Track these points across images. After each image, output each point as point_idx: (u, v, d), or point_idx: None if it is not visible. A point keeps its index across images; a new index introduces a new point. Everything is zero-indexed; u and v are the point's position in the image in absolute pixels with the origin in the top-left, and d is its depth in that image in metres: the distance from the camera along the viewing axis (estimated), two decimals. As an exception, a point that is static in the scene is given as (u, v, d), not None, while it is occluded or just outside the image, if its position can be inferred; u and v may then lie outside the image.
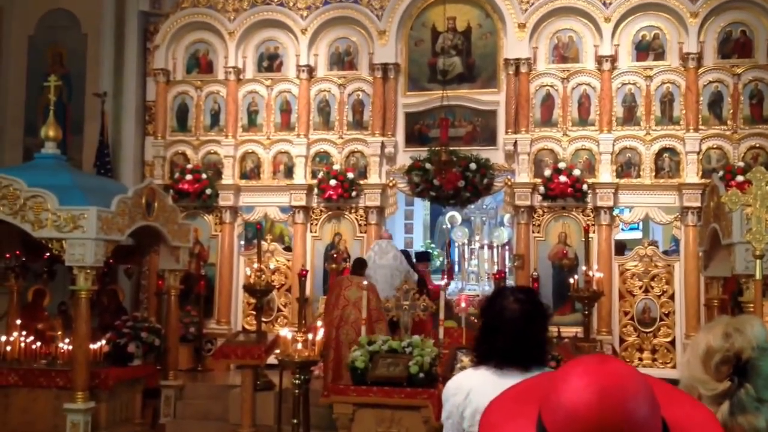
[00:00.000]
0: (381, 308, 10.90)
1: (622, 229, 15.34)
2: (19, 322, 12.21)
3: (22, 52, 15.81)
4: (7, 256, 12.72)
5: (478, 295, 15.60)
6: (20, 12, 15.76)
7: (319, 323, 10.06)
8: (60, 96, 13.19)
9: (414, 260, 14.47)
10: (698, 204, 13.43)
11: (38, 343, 11.78)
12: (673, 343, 13.64)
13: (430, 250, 16.19)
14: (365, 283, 10.99)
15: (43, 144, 11.85)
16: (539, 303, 3.79)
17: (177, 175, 15.10)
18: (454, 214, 19.69)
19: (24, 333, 11.89)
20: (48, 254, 11.83)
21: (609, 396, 1.56)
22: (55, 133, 11.85)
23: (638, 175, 14.03)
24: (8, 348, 11.57)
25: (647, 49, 14.23)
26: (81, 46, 15.62)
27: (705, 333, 2.31)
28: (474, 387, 3.65)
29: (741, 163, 13.45)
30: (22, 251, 12.70)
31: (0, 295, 13.24)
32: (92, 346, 11.10)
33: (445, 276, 16.39)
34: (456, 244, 18.83)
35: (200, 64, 15.71)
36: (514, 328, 3.58)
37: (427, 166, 13.88)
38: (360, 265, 12.28)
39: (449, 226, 19.96)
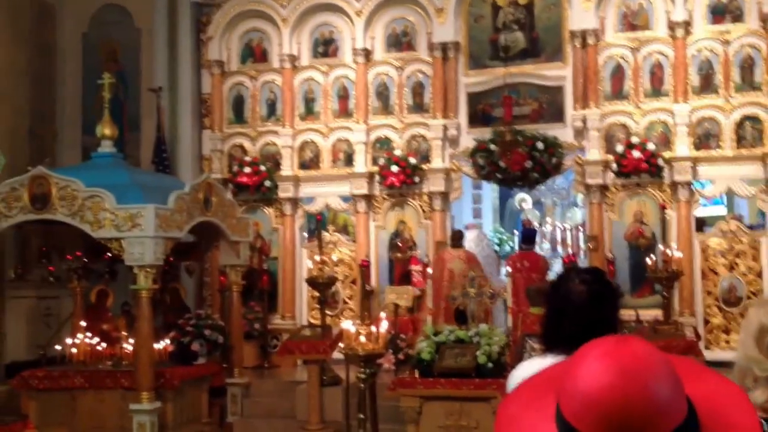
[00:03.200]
0: (484, 274, 11.24)
1: (704, 205, 14.74)
2: (83, 323, 12.10)
3: (76, 50, 15.80)
4: (69, 257, 12.64)
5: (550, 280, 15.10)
6: (72, 9, 15.73)
7: (383, 314, 9.68)
8: (115, 93, 13.07)
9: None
10: (785, 174, 12.70)
11: (103, 344, 11.68)
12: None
13: (534, 229, 15.49)
14: (464, 253, 11.60)
15: (99, 143, 11.74)
16: (607, 283, 3.56)
17: (235, 168, 14.88)
18: (524, 196, 19.21)
19: (89, 334, 11.79)
20: (109, 254, 11.74)
21: (629, 377, 1.47)
22: (111, 131, 11.79)
23: (718, 147, 13.39)
24: (74, 350, 11.46)
25: (723, 12, 13.55)
26: (134, 41, 15.57)
27: (757, 309, 2.27)
28: None
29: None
30: (83, 252, 12.60)
31: (64, 297, 13.21)
32: (156, 346, 10.99)
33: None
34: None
35: (254, 54, 15.53)
36: (581, 311, 3.32)
37: (492, 147, 13.44)
38: (458, 237, 13.06)
39: (520, 208, 19.49)
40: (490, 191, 19.37)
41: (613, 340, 1.56)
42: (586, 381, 1.50)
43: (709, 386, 1.65)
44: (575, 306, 3.34)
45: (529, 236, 14.12)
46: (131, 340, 11.42)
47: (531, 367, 3.49)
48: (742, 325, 2.28)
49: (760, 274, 13.08)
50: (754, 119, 13.26)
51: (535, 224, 17.37)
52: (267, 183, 14.65)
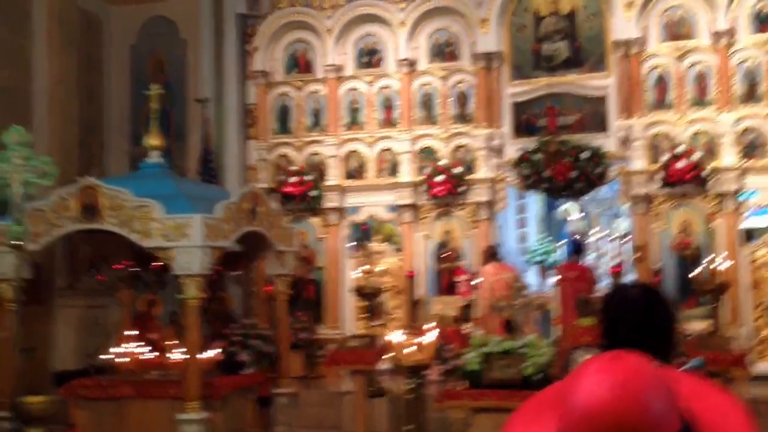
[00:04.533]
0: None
1: (753, 215, 14.53)
2: (131, 332, 12.20)
3: (124, 62, 15.95)
4: (118, 266, 12.76)
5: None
6: (120, 22, 15.89)
7: (430, 325, 9.69)
8: (162, 104, 13.18)
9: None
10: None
11: (152, 353, 11.76)
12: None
13: (581, 241, 15.32)
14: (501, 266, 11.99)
15: (147, 153, 11.84)
16: (662, 292, 3.51)
17: (281, 177, 14.92)
18: (568, 206, 19.08)
19: (137, 343, 11.88)
20: (157, 263, 11.84)
21: (621, 391, 1.55)
22: (159, 141, 11.86)
23: (765, 156, 13.25)
24: (122, 359, 11.55)
25: (767, 20, 13.39)
26: (181, 53, 15.68)
27: None
28: None
29: None
30: (132, 261, 12.72)
31: (112, 306, 13.32)
32: (204, 355, 11.03)
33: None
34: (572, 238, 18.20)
35: (299, 64, 15.62)
36: (635, 316, 3.26)
37: (537, 157, 13.43)
38: (494, 252, 13.27)
39: (564, 218, 19.36)
40: (535, 201, 19.29)
41: (610, 356, 1.64)
42: (580, 396, 1.58)
43: (710, 401, 1.73)
44: (630, 311, 3.30)
45: (577, 248, 14.08)
46: (179, 350, 11.51)
47: None
48: None
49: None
50: (802, 128, 13.10)
51: (581, 236, 17.26)
52: (312, 193, 14.71)
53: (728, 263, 11.55)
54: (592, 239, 17.90)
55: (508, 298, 9.61)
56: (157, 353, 11.82)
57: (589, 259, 17.33)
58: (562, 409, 1.63)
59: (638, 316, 3.28)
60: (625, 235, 16.65)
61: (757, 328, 13.06)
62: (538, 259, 17.76)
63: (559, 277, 12.77)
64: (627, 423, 1.52)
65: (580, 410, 1.56)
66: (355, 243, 15.48)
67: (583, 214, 19.14)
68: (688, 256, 13.22)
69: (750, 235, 13.89)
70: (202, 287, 10.66)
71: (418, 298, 13.62)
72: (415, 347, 8.55)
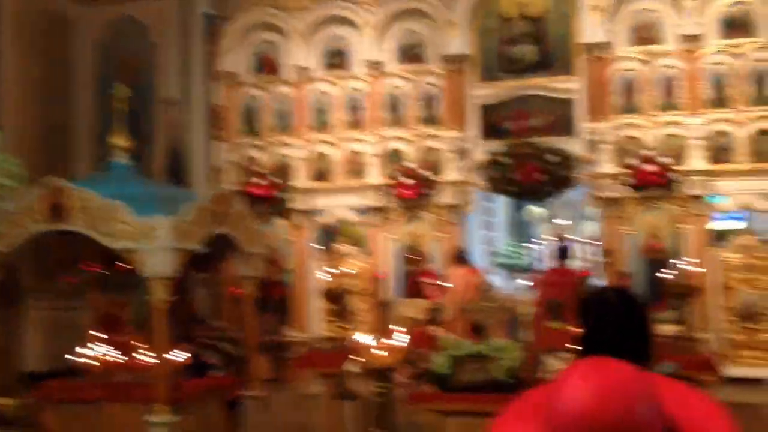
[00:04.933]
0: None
1: (722, 219, 14.64)
2: (100, 335, 12.10)
3: (91, 62, 15.81)
4: (86, 269, 12.66)
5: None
6: (88, 22, 15.78)
7: (399, 328, 9.69)
8: (129, 105, 13.07)
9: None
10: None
11: (119, 356, 11.68)
12: (783, 338, 12.88)
13: (567, 244, 15.37)
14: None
15: (114, 154, 11.76)
16: (637, 296, 3.51)
17: (248, 179, 14.84)
18: (535, 210, 19.10)
19: (106, 346, 11.79)
20: (125, 265, 11.76)
21: (606, 395, 1.57)
22: (126, 142, 11.76)
23: (733, 160, 13.39)
24: (91, 361, 11.46)
25: (735, 25, 13.54)
26: (148, 53, 15.55)
27: None
28: None
29: None
30: (100, 264, 12.62)
31: (81, 309, 13.21)
32: (171, 358, 10.98)
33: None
34: (540, 241, 18.22)
35: (266, 65, 15.55)
36: (615, 321, 3.27)
37: (504, 160, 13.45)
38: (462, 255, 13.50)
39: (532, 222, 19.38)
40: (502, 204, 19.30)
41: (594, 361, 1.68)
42: (565, 401, 1.60)
43: (693, 406, 1.76)
44: (610, 315, 3.30)
45: (562, 251, 14.10)
46: (148, 352, 11.43)
47: None
48: None
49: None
50: (772, 132, 13.23)
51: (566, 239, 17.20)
52: (279, 195, 14.63)
53: (697, 267, 11.66)
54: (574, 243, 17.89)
55: (476, 301, 9.64)
56: (125, 356, 11.76)
57: (572, 263, 17.40)
58: (547, 413, 1.63)
59: (618, 320, 3.29)
60: (592, 239, 16.72)
61: (727, 332, 13.13)
62: (507, 262, 17.77)
63: (542, 281, 12.77)
64: (611, 426, 1.54)
65: (565, 416, 1.57)
66: (323, 245, 15.46)
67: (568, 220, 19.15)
68: (657, 260, 13.27)
69: (720, 238, 14.03)
70: (170, 289, 10.62)
71: (385, 300, 13.62)
72: (383, 350, 8.58)
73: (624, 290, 3.59)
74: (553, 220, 18.47)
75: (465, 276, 12.70)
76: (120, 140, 11.72)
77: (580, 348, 3.59)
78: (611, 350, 3.35)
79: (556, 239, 16.46)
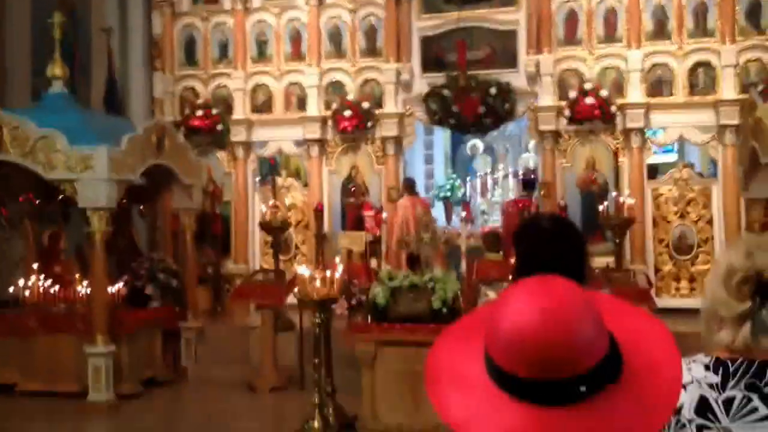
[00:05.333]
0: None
1: (656, 152, 14.81)
2: (36, 266, 12.00)
3: (26, -10, 15.37)
4: (21, 199, 12.50)
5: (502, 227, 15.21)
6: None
7: (338, 259, 9.72)
8: (66, 33, 12.80)
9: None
10: (736, 121, 12.74)
11: (56, 288, 11.62)
12: (712, 270, 13.10)
13: (532, 178, 15.31)
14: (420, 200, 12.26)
15: (50, 84, 11.57)
16: (571, 222, 3.69)
17: (187, 111, 14.66)
18: (475, 143, 19.17)
19: (42, 277, 11.71)
20: (61, 196, 11.65)
21: (549, 314, 1.53)
22: (62, 71, 11.65)
23: (671, 94, 13.44)
24: (27, 293, 11.39)
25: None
26: (85, -20, 15.15)
27: (727, 252, 2.29)
28: None
29: (782, 76, 12.78)
30: (35, 194, 12.47)
31: (15, 240, 13.06)
32: (110, 289, 10.95)
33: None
34: (478, 174, 18.34)
35: (206, -5, 15.18)
36: (549, 248, 3.34)
37: (445, 92, 13.41)
38: (412, 185, 13.64)
39: (471, 155, 19.47)
40: (441, 137, 19.34)
41: (537, 280, 1.62)
42: (508, 319, 1.55)
43: (633, 324, 1.71)
44: (546, 238, 3.39)
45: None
46: (85, 283, 11.38)
47: None
48: (712, 268, 2.31)
49: (710, 222, 13.23)
50: (707, 66, 13.30)
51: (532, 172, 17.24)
52: (219, 127, 14.44)
53: (633, 199, 11.79)
54: (498, 175, 18.03)
55: (416, 232, 9.67)
56: (62, 287, 11.68)
57: (493, 194, 17.56)
58: (489, 331, 1.61)
59: (552, 245, 3.35)
60: (531, 172, 16.83)
61: (659, 263, 13.36)
62: (445, 195, 17.87)
63: (508, 211, 12.85)
64: (556, 347, 1.51)
65: (508, 334, 1.54)
66: (263, 177, 15.38)
67: (490, 150, 19.26)
68: (594, 192, 13.42)
69: (655, 172, 14.20)
70: (108, 221, 10.56)
71: (324, 233, 13.62)
72: (323, 282, 8.60)
73: (558, 216, 3.64)
74: (524, 155, 18.57)
75: (414, 206, 12.74)
76: (56, 70, 11.55)
77: (515, 274, 3.66)
78: (545, 268, 3.40)
79: (522, 172, 16.57)
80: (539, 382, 1.54)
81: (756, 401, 2.19)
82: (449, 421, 1.61)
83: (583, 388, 1.54)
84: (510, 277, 3.80)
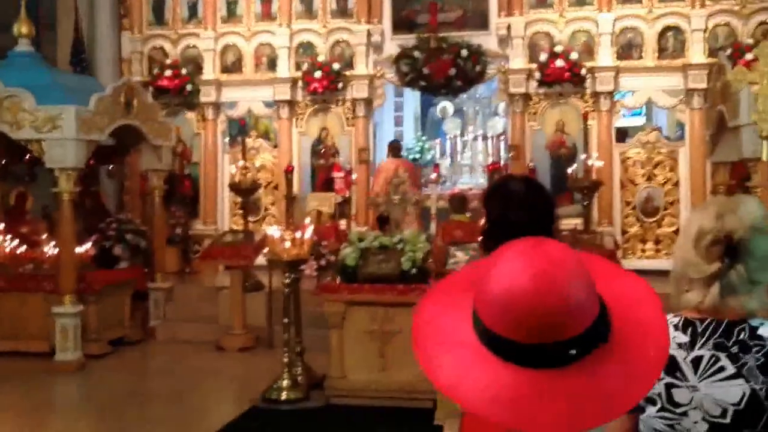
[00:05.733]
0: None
1: (624, 116, 14.89)
2: (2, 226, 11.93)
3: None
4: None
5: (471, 188, 15.26)
6: None
7: (308, 220, 9.73)
8: (29, -10, 12.62)
9: None
10: (704, 85, 12.82)
11: (23, 247, 11.57)
12: (677, 232, 13.21)
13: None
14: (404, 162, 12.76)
15: (16, 41, 11.43)
16: (542, 185, 3.61)
17: (156, 71, 14.51)
18: (445, 105, 19.14)
19: (8, 237, 11.65)
20: (28, 156, 11.58)
21: (543, 279, 1.53)
22: (29, 29, 11.54)
23: (640, 57, 13.50)
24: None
25: None
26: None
27: (697, 214, 2.34)
28: None
29: (750, 40, 12.85)
30: (1, 154, 12.36)
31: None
32: (78, 250, 10.92)
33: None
34: (448, 136, 18.33)
35: (175, -48, 14.97)
36: (522, 201, 3.36)
37: (416, 54, 13.37)
38: (398, 147, 14.24)
39: (440, 117, 19.44)
40: (411, 99, 19.28)
41: (528, 242, 1.63)
42: (500, 282, 1.56)
43: (620, 284, 1.72)
44: (517, 198, 3.39)
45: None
46: (52, 243, 11.33)
47: None
48: (682, 230, 2.36)
49: (677, 185, 13.38)
50: (676, 30, 13.37)
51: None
52: (188, 87, 14.27)
53: (601, 162, 11.86)
54: (468, 137, 18.02)
55: (387, 194, 9.68)
56: (28, 247, 11.64)
57: (462, 156, 17.57)
58: (479, 294, 1.61)
59: (522, 206, 3.35)
60: (500, 134, 16.88)
61: (626, 225, 13.48)
62: (414, 157, 17.88)
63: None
64: (548, 310, 1.52)
65: (500, 297, 1.55)
66: (232, 138, 15.29)
67: (459, 112, 19.22)
68: (563, 155, 13.48)
69: (624, 135, 14.28)
70: (76, 181, 10.51)
71: (294, 194, 13.59)
72: (292, 243, 8.62)
73: (527, 177, 3.64)
74: (494, 118, 18.56)
75: (396, 168, 12.75)
76: (23, 28, 11.41)
77: (485, 235, 3.67)
78: (515, 235, 3.43)
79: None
80: (531, 346, 1.55)
81: (723, 360, 2.23)
82: (438, 384, 1.62)
83: (573, 351, 1.56)
84: (479, 239, 3.78)
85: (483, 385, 1.58)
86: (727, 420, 2.21)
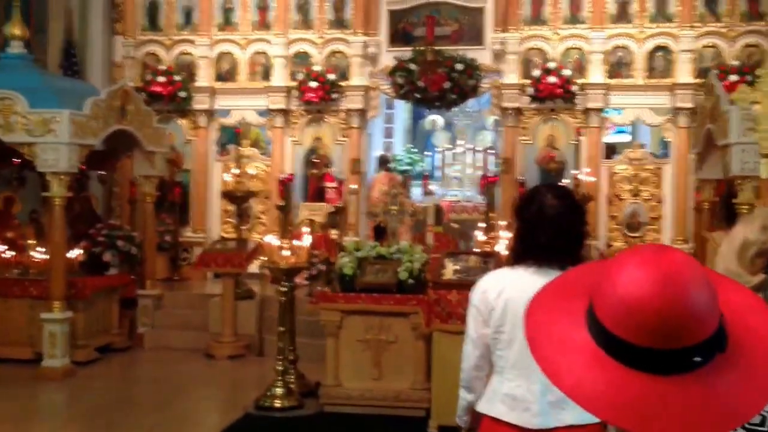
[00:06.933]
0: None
1: (615, 132, 15.00)
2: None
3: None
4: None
5: (459, 201, 15.32)
6: None
7: (305, 229, 9.73)
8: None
9: None
10: (691, 105, 13.09)
11: (10, 252, 11.46)
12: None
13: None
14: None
15: (7, 44, 11.35)
16: (576, 198, 3.77)
17: (149, 77, 14.48)
18: (435, 118, 19.22)
19: (-6, 242, 11.56)
20: (18, 160, 11.48)
21: (671, 286, 1.50)
22: (21, 31, 11.44)
23: (630, 75, 13.68)
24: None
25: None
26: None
27: (743, 226, 2.31)
28: (508, 285, 3.54)
29: (736, 62, 13.11)
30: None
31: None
32: (67, 255, 10.83)
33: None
34: (437, 149, 18.41)
35: (171, -43, 14.95)
36: (556, 223, 3.49)
37: (412, 66, 13.41)
38: (387, 161, 14.78)
39: (430, 129, 19.52)
40: (402, 111, 19.34)
41: (652, 248, 1.60)
42: (627, 288, 1.53)
43: (729, 293, 1.69)
44: (550, 218, 3.47)
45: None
46: (40, 249, 11.24)
47: (498, 277, 3.66)
48: (726, 240, 2.35)
49: (661, 201, 13.59)
50: (666, 50, 13.58)
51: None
52: (182, 94, 14.26)
53: (592, 177, 11.95)
54: (458, 150, 18.10)
55: (384, 204, 9.70)
56: (15, 252, 11.54)
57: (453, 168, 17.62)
58: (600, 298, 1.59)
59: (558, 223, 3.48)
60: (489, 148, 16.96)
61: (611, 240, 13.65)
62: (404, 168, 17.95)
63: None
64: (676, 317, 1.50)
65: (626, 303, 1.53)
66: (224, 146, 15.27)
67: (449, 125, 19.30)
68: (553, 169, 13.59)
69: (612, 151, 14.40)
70: (68, 185, 10.44)
71: (286, 203, 13.60)
72: (289, 251, 8.63)
73: (563, 191, 3.70)
74: (483, 131, 18.63)
75: (390, 182, 12.85)
76: (15, 29, 11.34)
77: (514, 248, 3.69)
78: (546, 244, 3.48)
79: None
80: (655, 351, 1.53)
81: None
82: (561, 387, 1.61)
83: (698, 358, 1.54)
84: (509, 249, 3.83)
85: (604, 388, 1.56)
86: (766, 428, 2.20)
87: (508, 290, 3.51)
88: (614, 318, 1.55)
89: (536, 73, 13.47)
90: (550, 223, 3.47)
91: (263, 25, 14.57)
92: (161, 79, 14.28)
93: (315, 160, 14.21)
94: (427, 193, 14.49)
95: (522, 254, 3.59)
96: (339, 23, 14.35)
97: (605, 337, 1.58)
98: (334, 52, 14.34)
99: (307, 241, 8.95)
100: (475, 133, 18.64)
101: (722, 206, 11.45)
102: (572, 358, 1.62)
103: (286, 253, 8.64)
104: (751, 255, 2.23)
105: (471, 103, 17.21)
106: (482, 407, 3.64)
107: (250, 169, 14.20)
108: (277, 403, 8.59)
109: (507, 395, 3.52)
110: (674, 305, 1.50)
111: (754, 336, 1.64)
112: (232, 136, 14.75)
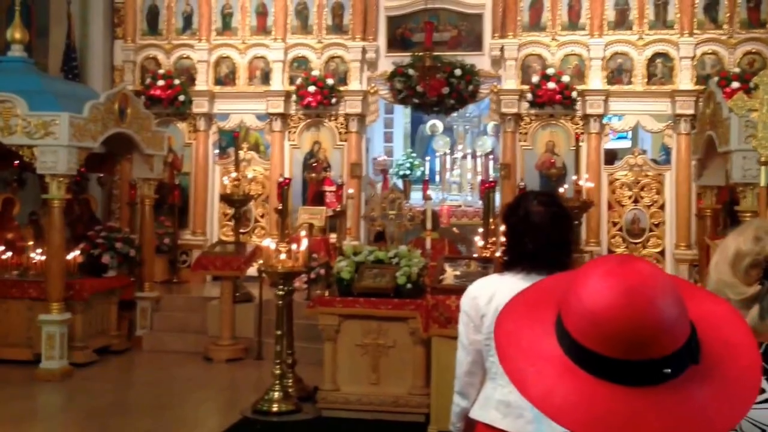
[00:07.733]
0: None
1: (614, 138, 15.01)
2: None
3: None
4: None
5: (460, 206, 15.33)
6: None
7: (303, 233, 9.75)
8: (24, -4, 12.60)
9: None
10: (691, 111, 13.13)
11: (9, 254, 11.47)
12: (662, 253, 13.46)
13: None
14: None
15: (8, 47, 11.39)
16: (563, 205, 3.77)
17: (148, 80, 14.52)
18: (435, 123, 19.25)
19: (-7, 244, 11.56)
20: (17, 162, 11.51)
21: (636, 297, 1.50)
22: (22, 35, 11.47)
23: (630, 82, 13.68)
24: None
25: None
26: (45, -57, 14.89)
27: (735, 236, 2.29)
28: (498, 291, 3.53)
29: (736, 69, 13.14)
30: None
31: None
32: (66, 257, 10.84)
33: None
34: (437, 154, 18.43)
35: (170, -38, 14.99)
36: (541, 230, 3.50)
37: (410, 72, 13.45)
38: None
39: (430, 134, 19.55)
40: (401, 116, 19.38)
41: (617, 259, 1.59)
42: (592, 299, 1.53)
43: (703, 305, 1.70)
44: (536, 225, 3.49)
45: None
46: (38, 250, 11.25)
47: (487, 284, 3.67)
48: (718, 250, 2.31)
49: (662, 207, 13.56)
50: (665, 56, 13.57)
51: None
52: (181, 97, 14.30)
53: (591, 183, 11.97)
54: (457, 155, 18.13)
55: (383, 209, 9.70)
56: (14, 253, 11.55)
57: (452, 173, 17.63)
58: (566, 309, 1.59)
59: (543, 229, 3.50)
60: (488, 153, 16.98)
61: (612, 245, 13.62)
62: (403, 173, 17.97)
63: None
64: (642, 328, 1.50)
65: (592, 314, 1.53)
66: (222, 150, 15.30)
67: (449, 130, 19.33)
68: (553, 175, 13.60)
69: (611, 157, 14.41)
70: (67, 188, 10.46)
71: (285, 207, 13.60)
72: (288, 255, 8.64)
73: (551, 198, 3.71)
74: (483, 137, 18.67)
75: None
76: (16, 33, 11.37)
77: (504, 254, 3.73)
78: (533, 251, 3.50)
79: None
80: (624, 362, 1.53)
81: (763, 383, 2.20)
82: (529, 397, 1.61)
83: (668, 370, 1.54)
84: (498, 254, 3.85)
85: (574, 399, 1.56)
86: None
87: (498, 296, 3.50)
88: (581, 329, 1.55)
89: (535, 79, 13.51)
90: (535, 230, 3.49)
91: (262, 29, 14.60)
92: (161, 82, 14.33)
93: (314, 164, 14.23)
94: (426, 197, 14.44)
95: (511, 261, 3.62)
96: (338, 28, 14.38)
97: (574, 347, 1.58)
98: (332, 57, 14.37)
99: (305, 244, 8.96)
100: (475, 138, 18.67)
101: (725, 214, 11.44)
102: (541, 367, 1.61)
103: (283, 256, 8.66)
104: (745, 266, 2.21)
105: (471, 108, 17.25)
106: (476, 414, 3.64)
107: (249, 173, 14.23)
108: (275, 407, 8.60)
109: (500, 401, 3.52)
110: (638, 317, 1.50)
111: (729, 348, 1.64)
112: (231, 139, 14.76)
